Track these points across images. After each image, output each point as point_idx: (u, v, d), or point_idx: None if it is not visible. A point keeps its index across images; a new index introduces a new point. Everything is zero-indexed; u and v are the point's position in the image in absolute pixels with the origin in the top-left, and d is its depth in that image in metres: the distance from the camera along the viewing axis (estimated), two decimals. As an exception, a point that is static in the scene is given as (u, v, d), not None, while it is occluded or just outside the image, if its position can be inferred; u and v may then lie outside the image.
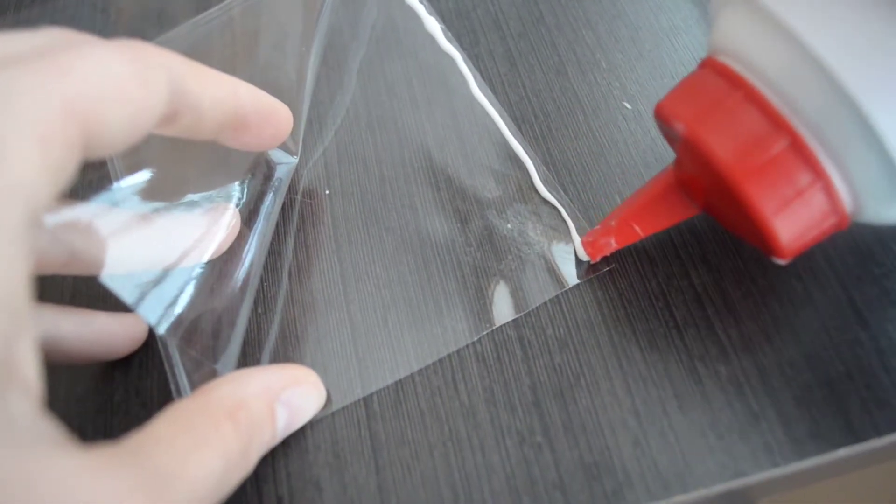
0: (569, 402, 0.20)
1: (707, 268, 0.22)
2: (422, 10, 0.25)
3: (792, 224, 0.18)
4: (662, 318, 0.22)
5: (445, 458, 0.20)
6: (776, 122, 0.17)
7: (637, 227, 0.22)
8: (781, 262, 0.19)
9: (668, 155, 0.25)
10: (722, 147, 0.18)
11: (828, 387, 0.20)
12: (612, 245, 0.22)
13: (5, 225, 0.12)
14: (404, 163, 0.25)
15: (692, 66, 0.27)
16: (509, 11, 0.29)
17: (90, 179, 0.25)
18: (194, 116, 0.18)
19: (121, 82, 0.15)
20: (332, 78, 0.28)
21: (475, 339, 0.22)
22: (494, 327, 0.22)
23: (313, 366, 0.21)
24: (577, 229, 0.23)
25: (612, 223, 0.22)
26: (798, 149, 0.17)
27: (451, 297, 0.22)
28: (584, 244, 0.22)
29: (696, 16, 0.28)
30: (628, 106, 0.26)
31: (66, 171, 0.14)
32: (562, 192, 0.24)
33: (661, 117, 0.20)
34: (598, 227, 0.22)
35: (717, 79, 0.18)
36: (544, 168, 0.25)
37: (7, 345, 0.12)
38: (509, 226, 0.24)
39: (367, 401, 0.21)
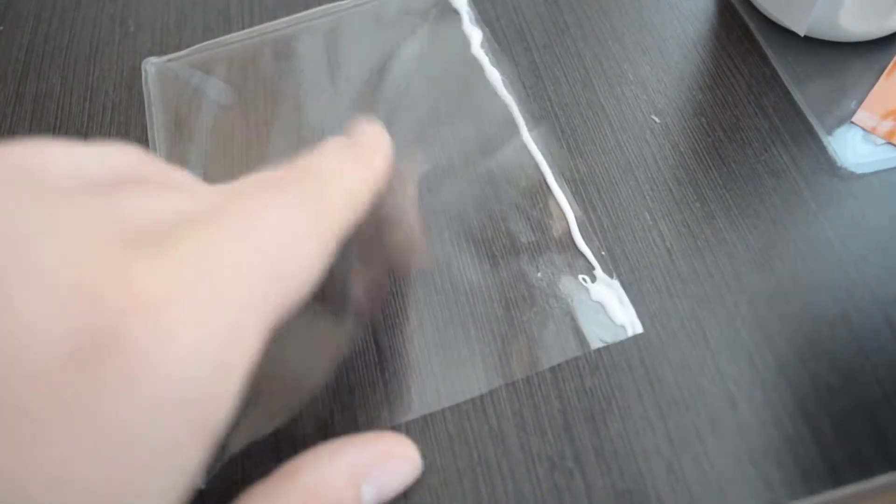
0: (600, 427, 0.20)
1: (739, 287, 0.22)
2: (486, 63, 0.27)
3: None
4: (694, 340, 0.21)
5: (475, 485, 0.19)
6: None
7: None
8: None
9: (698, 170, 0.24)
10: None
11: (866, 411, 0.20)
12: None
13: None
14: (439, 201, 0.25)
15: (722, 77, 0.26)
16: (534, 22, 0.29)
17: None
18: None
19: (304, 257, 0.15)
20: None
21: (488, 390, 0.21)
22: (509, 381, 0.21)
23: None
24: (608, 286, 0.22)
25: None
26: None
27: (472, 342, 0.22)
28: None
29: (725, 26, 0.28)
30: (657, 120, 0.25)
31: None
32: (598, 245, 0.23)
33: None
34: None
35: None
36: (585, 219, 0.24)
37: None
38: (539, 275, 0.23)
39: (395, 427, 0.21)
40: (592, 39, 0.28)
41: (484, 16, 0.29)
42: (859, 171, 0.24)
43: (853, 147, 0.24)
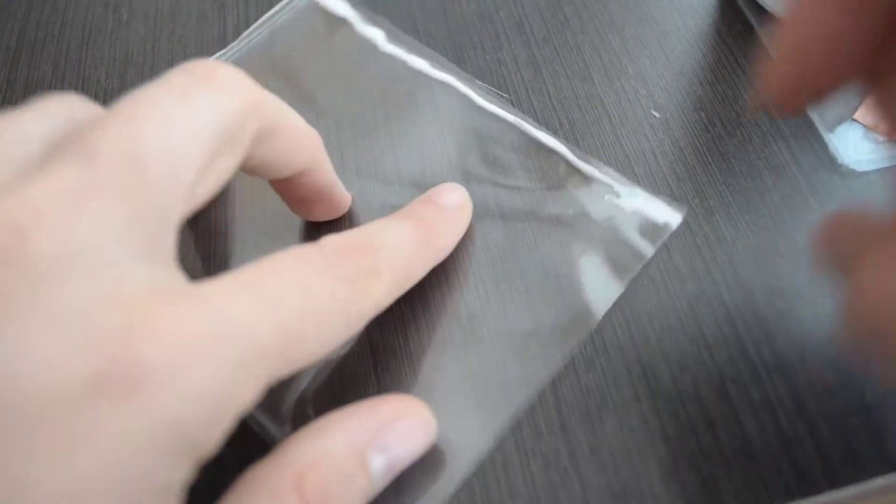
0: (596, 425, 0.20)
1: (738, 284, 0.22)
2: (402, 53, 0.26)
3: None
4: (692, 338, 0.21)
5: (468, 483, 0.19)
6: None
7: None
8: None
9: (697, 165, 0.24)
10: None
11: (864, 412, 0.19)
12: None
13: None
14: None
15: (722, 72, 0.26)
16: (533, 14, 0.28)
17: None
18: (263, 167, 0.18)
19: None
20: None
21: (597, 323, 0.21)
22: (598, 320, 0.21)
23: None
24: (633, 194, 0.23)
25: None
26: None
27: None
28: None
29: (727, 20, 0.27)
30: (657, 115, 0.25)
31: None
32: (604, 164, 0.24)
33: None
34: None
35: None
36: (577, 149, 0.24)
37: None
38: (570, 211, 0.23)
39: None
40: (592, 32, 0.28)
41: (481, 7, 0.29)
42: (860, 168, 0.24)
43: (854, 144, 0.24)
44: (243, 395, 0.14)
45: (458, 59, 0.27)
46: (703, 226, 0.23)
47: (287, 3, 0.28)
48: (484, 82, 0.26)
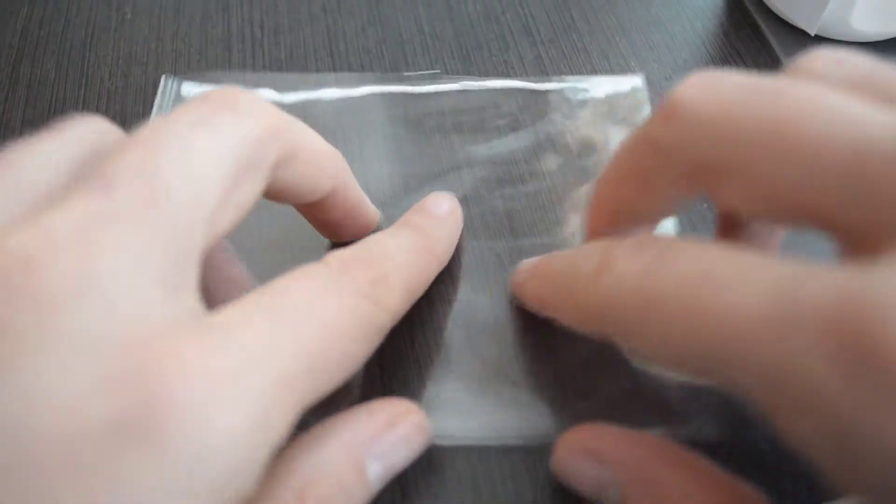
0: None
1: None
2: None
3: None
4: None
5: (475, 485, 0.19)
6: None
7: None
8: None
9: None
10: None
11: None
12: None
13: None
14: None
15: (730, 76, 0.26)
16: (539, 16, 0.28)
17: None
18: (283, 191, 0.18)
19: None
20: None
21: None
22: None
23: None
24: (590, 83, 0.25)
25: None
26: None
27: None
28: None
29: (735, 22, 0.27)
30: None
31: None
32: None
33: None
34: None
35: None
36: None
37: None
38: (555, 129, 0.24)
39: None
40: (599, 34, 0.28)
41: (487, 8, 0.28)
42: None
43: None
44: (275, 427, 0.13)
45: (464, 59, 0.27)
46: (711, 230, 0.23)
47: (162, 100, 0.26)
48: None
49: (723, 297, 0.13)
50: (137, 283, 0.12)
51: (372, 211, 0.22)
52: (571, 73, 0.26)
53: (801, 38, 0.27)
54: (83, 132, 0.15)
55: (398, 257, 0.18)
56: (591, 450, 0.17)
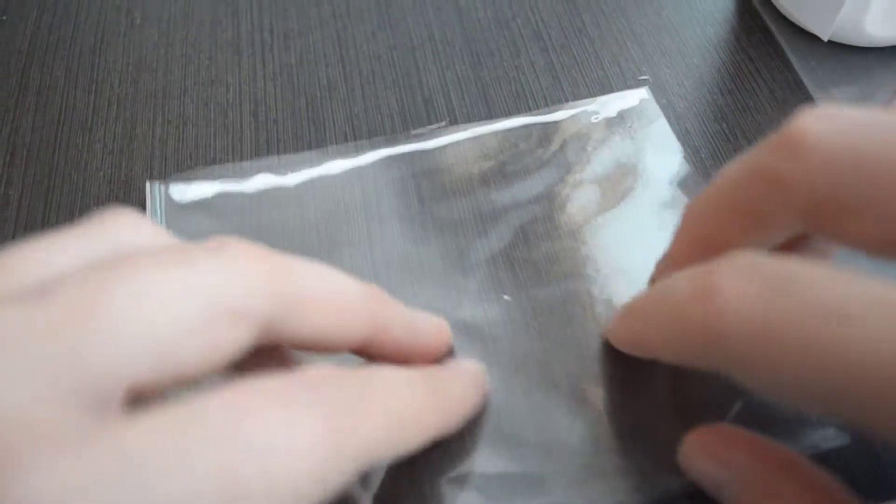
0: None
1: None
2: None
3: None
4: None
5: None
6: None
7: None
8: None
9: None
10: None
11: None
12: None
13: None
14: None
15: (743, 81, 0.26)
16: (550, 21, 0.28)
17: None
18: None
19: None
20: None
21: None
22: None
23: None
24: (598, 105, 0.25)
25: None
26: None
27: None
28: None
29: (746, 27, 0.27)
30: (676, 124, 0.25)
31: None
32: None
33: None
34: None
35: None
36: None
37: None
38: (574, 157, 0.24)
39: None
40: (610, 40, 0.27)
41: (498, 14, 0.28)
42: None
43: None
44: None
45: (474, 65, 0.27)
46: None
47: (153, 205, 0.24)
48: (501, 90, 0.26)
49: (855, 333, 0.12)
50: (27, 389, 0.12)
51: (433, 336, 0.19)
52: (583, 78, 0.26)
53: (814, 43, 0.27)
54: (108, 231, 0.15)
55: (389, 385, 0.15)
56: (712, 451, 0.17)
